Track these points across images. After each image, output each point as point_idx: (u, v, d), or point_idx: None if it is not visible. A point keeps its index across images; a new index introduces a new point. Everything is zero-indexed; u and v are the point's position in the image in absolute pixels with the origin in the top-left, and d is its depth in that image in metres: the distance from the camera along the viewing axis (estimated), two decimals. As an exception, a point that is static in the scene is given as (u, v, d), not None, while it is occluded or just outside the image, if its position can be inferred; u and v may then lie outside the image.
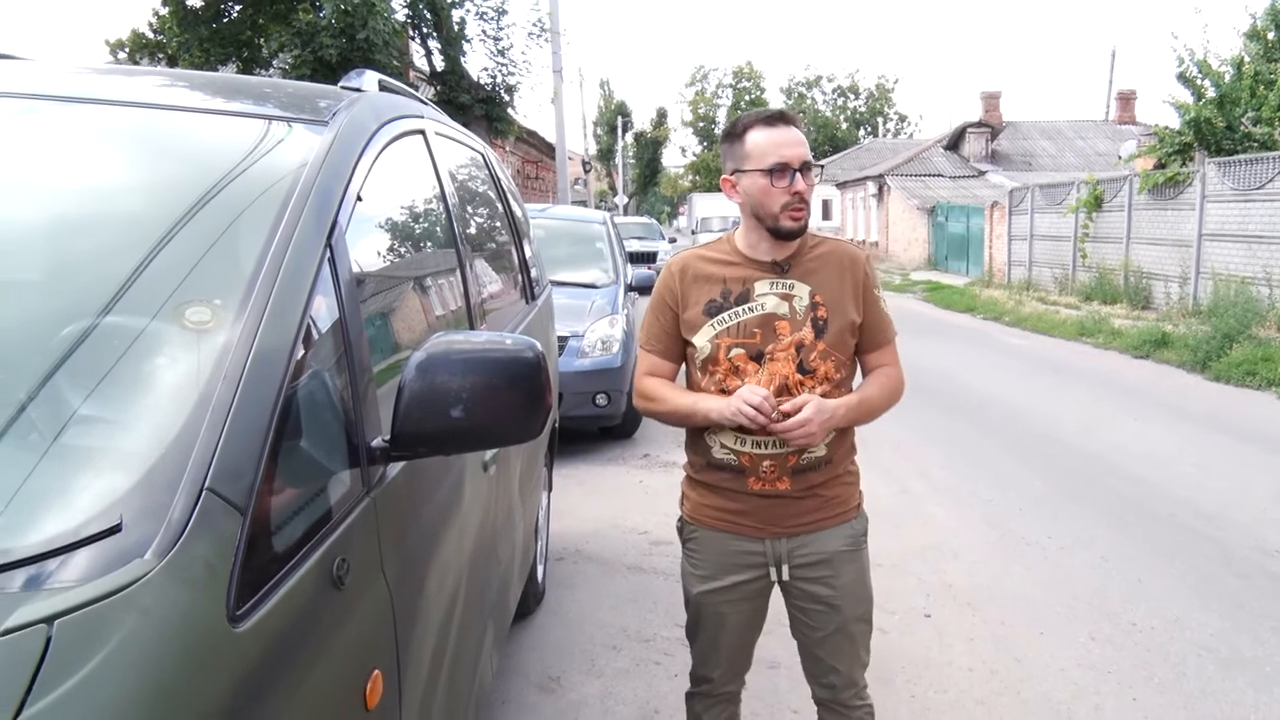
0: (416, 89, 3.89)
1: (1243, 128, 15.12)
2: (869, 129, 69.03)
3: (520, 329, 3.50)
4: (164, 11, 18.75)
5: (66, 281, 1.59)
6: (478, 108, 20.30)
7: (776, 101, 71.40)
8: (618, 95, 77.09)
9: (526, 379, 1.69)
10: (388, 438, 1.67)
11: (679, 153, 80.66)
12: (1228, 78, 15.49)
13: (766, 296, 2.27)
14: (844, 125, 68.65)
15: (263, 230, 1.61)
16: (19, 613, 1.02)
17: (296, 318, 1.51)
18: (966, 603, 4.47)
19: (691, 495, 2.44)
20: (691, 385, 2.38)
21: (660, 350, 2.40)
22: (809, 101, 70.20)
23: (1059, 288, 18.95)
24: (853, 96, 72.03)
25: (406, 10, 19.77)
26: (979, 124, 36.40)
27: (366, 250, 2.00)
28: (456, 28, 20.39)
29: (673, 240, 30.63)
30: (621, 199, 56.33)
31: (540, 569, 4.40)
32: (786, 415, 2.17)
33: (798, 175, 2.20)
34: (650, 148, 77.05)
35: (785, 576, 2.37)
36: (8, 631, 1.00)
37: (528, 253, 4.20)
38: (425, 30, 20.61)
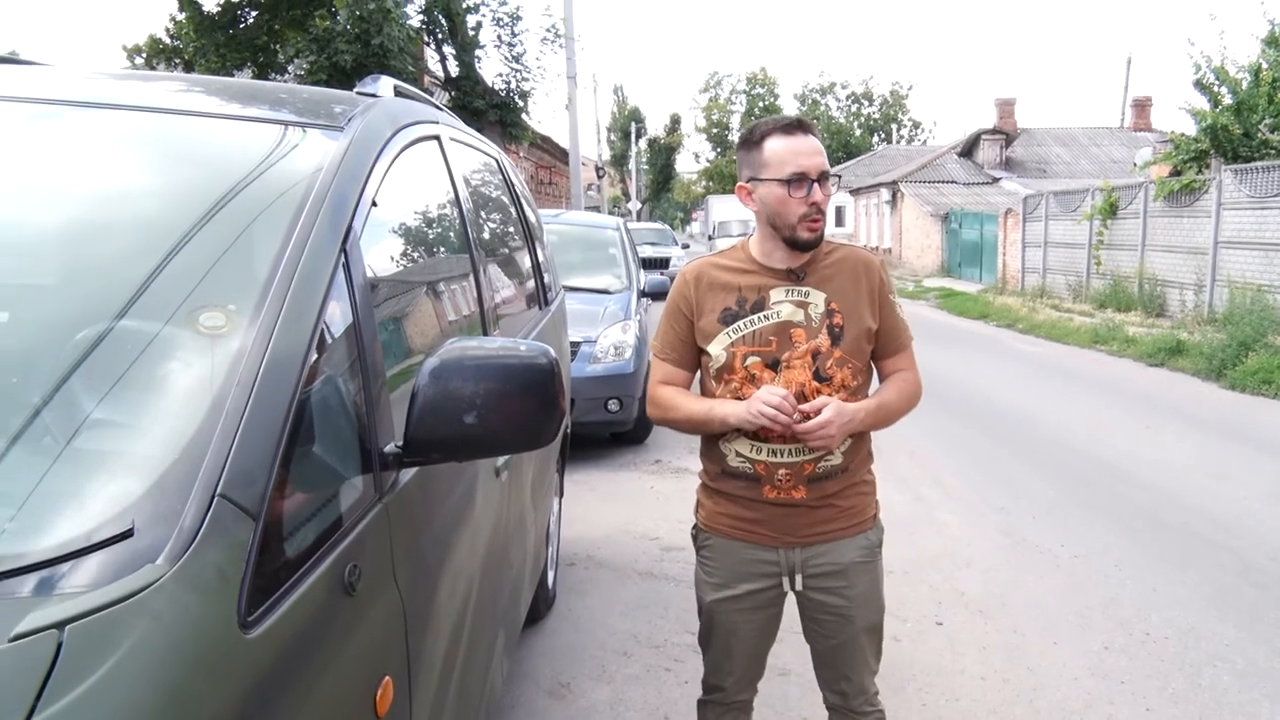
0: (431, 94, 3.88)
1: (1260, 134, 15.04)
2: (883, 135, 68.84)
3: (533, 335, 3.50)
4: (181, 17, 18.83)
5: (82, 286, 1.60)
6: (492, 113, 20.32)
7: (790, 108, 71.34)
8: (631, 101, 77.14)
9: (540, 385, 1.68)
10: (401, 443, 1.67)
11: (692, 159, 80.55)
12: (1245, 84, 15.42)
13: (782, 304, 2.26)
14: (858, 132, 68.44)
15: (277, 235, 1.61)
16: (30, 618, 1.02)
17: (310, 323, 1.51)
18: (979, 611, 4.44)
19: (706, 503, 2.43)
20: (706, 394, 2.36)
21: (674, 359, 2.38)
22: (823, 108, 70.05)
23: (1073, 295, 18.88)
24: (866, 103, 71.84)
25: (422, 16, 19.83)
26: (993, 131, 36.29)
27: (381, 255, 2.00)
28: (471, 33, 20.44)
29: (686, 246, 30.50)
30: (635, 205, 56.27)
31: (551, 574, 4.39)
32: (807, 417, 2.15)
33: (815, 186, 2.18)
34: (664, 154, 77.02)
35: (798, 586, 2.36)
36: (19, 637, 1.00)
37: (541, 258, 4.21)
38: (440, 36, 20.66)
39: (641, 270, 9.24)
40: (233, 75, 17.61)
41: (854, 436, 2.31)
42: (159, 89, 2.42)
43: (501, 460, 2.64)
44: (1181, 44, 36.34)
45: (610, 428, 7.41)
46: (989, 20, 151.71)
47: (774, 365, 2.24)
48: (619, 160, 73.54)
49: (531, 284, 3.93)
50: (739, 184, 2.32)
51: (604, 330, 7.39)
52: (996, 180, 33.75)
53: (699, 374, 2.39)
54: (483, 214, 3.22)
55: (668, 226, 37.55)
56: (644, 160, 75.14)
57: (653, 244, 24.34)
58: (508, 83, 21.03)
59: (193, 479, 1.23)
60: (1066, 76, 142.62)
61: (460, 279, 2.64)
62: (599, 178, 46.04)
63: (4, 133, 1.94)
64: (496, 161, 3.77)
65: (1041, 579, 4.85)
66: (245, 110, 2.17)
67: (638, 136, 68.86)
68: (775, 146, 2.20)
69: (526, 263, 3.90)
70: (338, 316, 1.63)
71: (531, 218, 4.25)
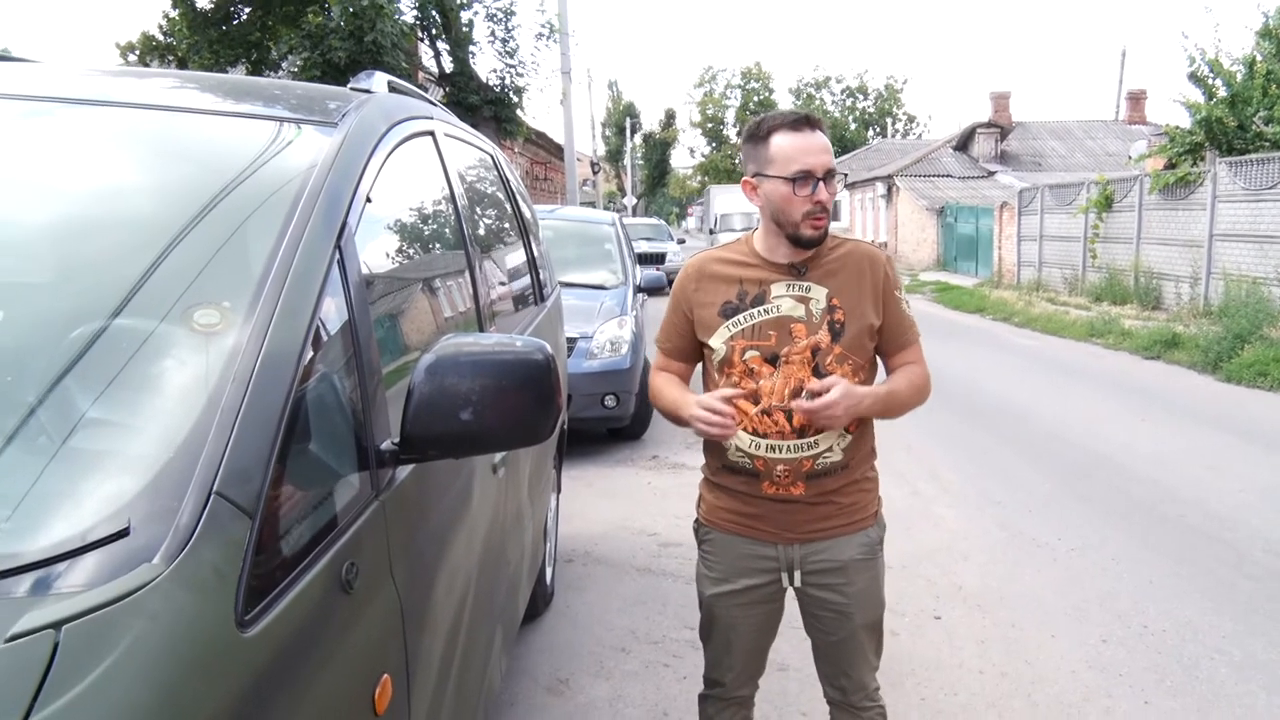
0: (425, 90, 3.88)
1: (1254, 127, 15.06)
2: (878, 130, 68.88)
3: (530, 330, 3.50)
4: (174, 14, 18.82)
5: (76, 284, 1.59)
6: (486, 109, 20.31)
7: (785, 103, 71.31)
8: (626, 96, 77.32)
9: (537, 381, 1.68)
10: (397, 440, 1.67)
11: (687, 154, 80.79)
12: (1239, 77, 15.44)
13: (783, 299, 2.25)
14: (853, 126, 68.42)
15: (272, 232, 1.60)
16: (26, 618, 1.02)
17: (305, 320, 1.51)
18: (977, 605, 4.45)
19: (707, 497, 2.43)
20: (708, 387, 2.37)
21: (670, 349, 2.42)
22: (818, 102, 70.01)
23: (1069, 288, 18.90)
24: (861, 97, 71.85)
25: (415, 12, 19.79)
26: (988, 124, 36.28)
27: (376, 252, 1.99)
28: (465, 29, 20.41)
29: (681, 241, 30.20)
30: (630, 200, 56.32)
31: (549, 571, 4.39)
32: (815, 395, 2.14)
33: (821, 184, 2.16)
34: (659, 149, 77.08)
35: (797, 583, 2.36)
36: (15, 637, 1.00)
37: (537, 254, 4.20)
38: (434, 32, 20.65)
39: (637, 265, 9.23)
40: (226, 72, 17.58)
41: (855, 433, 2.30)
42: (152, 86, 2.41)
43: (498, 457, 2.63)
44: (1176, 37, 36.36)
45: (607, 423, 7.41)
46: (984, 14, 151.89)
47: (773, 360, 2.23)
48: (614, 155, 73.58)
49: (527, 280, 3.92)
50: (744, 178, 2.30)
51: (600, 326, 7.39)
52: (992, 174, 33.73)
53: (703, 367, 2.39)
54: (478, 210, 3.21)
55: (663, 221, 37.45)
56: (639, 155, 75.19)
57: (648, 239, 24.31)
58: (502, 78, 21.03)
59: (189, 477, 1.22)
60: (1061, 70, 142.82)
61: (456, 275, 2.63)
62: (594, 173, 46.02)
63: (-4, 130, 1.93)
64: (491, 157, 3.76)
65: (1039, 572, 4.86)
66: (239, 107, 2.16)
67: (633, 132, 68.90)
68: (782, 143, 2.17)
69: (522, 258, 3.89)
70: (333, 313, 1.63)
71: (527, 213, 4.24)
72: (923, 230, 31.52)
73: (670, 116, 77.46)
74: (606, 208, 42.52)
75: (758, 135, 2.22)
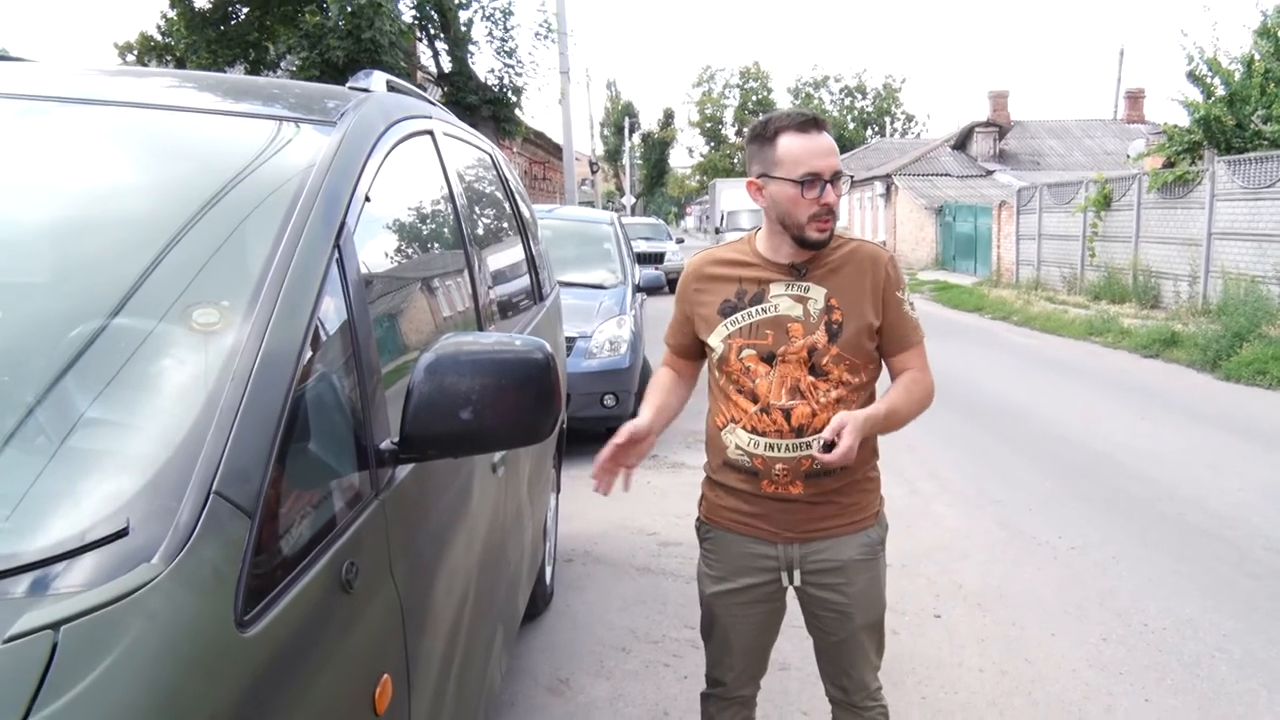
0: (424, 90, 3.87)
1: (1253, 126, 15.06)
2: (876, 129, 68.92)
3: (529, 330, 3.49)
4: (172, 14, 18.83)
5: (74, 283, 1.59)
6: (485, 108, 20.32)
7: (784, 102, 71.33)
8: (625, 96, 77.33)
9: (536, 380, 1.68)
10: (397, 440, 1.66)
11: (686, 153, 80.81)
12: (1238, 76, 15.44)
13: (780, 298, 2.24)
14: (851, 125, 68.48)
15: (271, 231, 1.60)
16: (25, 618, 1.01)
17: (305, 319, 1.50)
18: (977, 603, 4.45)
19: (709, 495, 2.43)
20: (711, 385, 2.39)
21: (673, 345, 2.47)
22: (816, 101, 70.09)
23: (1067, 287, 18.90)
24: (860, 96, 71.91)
25: (413, 11, 19.79)
26: (986, 123, 36.27)
27: (375, 251, 1.99)
28: (463, 29, 20.41)
29: (680, 241, 29.97)
30: (629, 199, 56.31)
31: (549, 570, 4.38)
32: (829, 445, 2.09)
33: (828, 186, 2.15)
34: (657, 148, 77.08)
35: (796, 582, 2.35)
36: (14, 637, 0.99)
37: (535, 253, 4.19)
38: (432, 31, 20.65)
39: (636, 265, 9.23)
40: (224, 71, 17.58)
41: None
42: (150, 85, 2.40)
43: (498, 456, 2.63)
44: (1174, 36, 36.39)
45: (606, 423, 7.37)
46: (982, 13, 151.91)
47: (769, 359, 2.23)
48: (613, 155, 73.58)
49: (526, 279, 3.92)
50: (748, 179, 2.28)
51: (599, 325, 7.38)
52: (990, 173, 33.73)
53: (708, 364, 2.39)
54: (477, 209, 3.20)
55: (662, 221, 37.37)
56: (638, 155, 75.20)
57: (647, 239, 24.26)
58: (500, 78, 21.05)
59: (188, 477, 1.22)
60: (1059, 69, 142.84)
61: (455, 274, 2.63)
62: (593, 173, 46.01)
63: (-6, 130, 1.93)
64: (490, 156, 3.76)
65: (1039, 571, 4.86)
66: (237, 106, 2.16)
67: (631, 131, 68.91)
68: (789, 144, 2.15)
69: (521, 258, 3.89)
70: (332, 313, 1.62)
71: (526, 213, 4.24)
72: (921, 229, 31.52)
73: (669, 116, 77.50)
74: (605, 207, 42.50)
75: (764, 136, 2.20)
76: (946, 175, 33.83)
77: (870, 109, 71.61)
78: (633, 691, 3.64)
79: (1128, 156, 22.49)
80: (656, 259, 21.10)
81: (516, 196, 4.06)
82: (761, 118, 2.27)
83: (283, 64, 18.54)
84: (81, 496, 1.22)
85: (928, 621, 4.25)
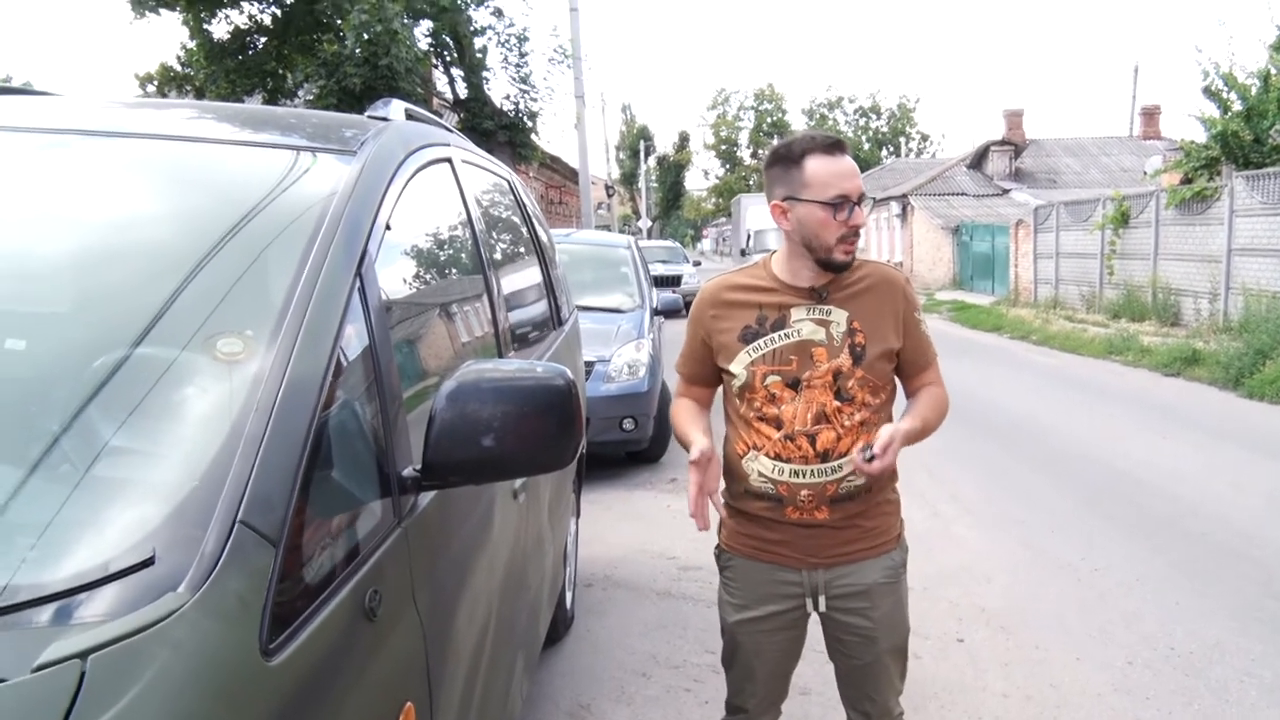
0: (440, 116, 3.90)
1: (1271, 140, 15.01)
2: (891, 149, 68.99)
3: (548, 355, 3.50)
4: (191, 45, 19.02)
5: (98, 313, 1.60)
6: (501, 134, 20.41)
7: (798, 123, 71.47)
8: (640, 119, 77.31)
9: (558, 407, 1.68)
10: (419, 467, 1.66)
11: (701, 176, 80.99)
12: (1254, 90, 15.40)
13: (803, 323, 2.24)
14: (866, 146, 68.56)
15: (292, 260, 1.61)
16: (53, 648, 1.02)
17: (327, 347, 1.51)
18: (1000, 626, 4.41)
19: (729, 523, 2.41)
20: (729, 412, 2.36)
21: (687, 374, 2.43)
22: (830, 122, 70.20)
23: (1086, 305, 18.82)
24: (874, 117, 72.03)
25: (429, 39, 19.95)
26: (1002, 142, 36.25)
27: (395, 279, 2.00)
28: (479, 55, 20.55)
29: (697, 264, 29.97)
30: (645, 223, 56.46)
31: (569, 595, 4.37)
32: (873, 456, 2.12)
33: (855, 208, 2.16)
34: (673, 171, 77.32)
35: (822, 608, 2.34)
36: (42, 667, 1.00)
37: (554, 278, 4.21)
38: (448, 58, 20.79)
39: (653, 288, 9.24)
40: (243, 101, 17.75)
41: None
42: (171, 117, 2.43)
43: (519, 482, 2.63)
44: (1189, 51, 36.28)
45: (625, 447, 7.39)
46: (996, 32, 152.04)
47: (794, 384, 2.23)
48: (628, 179, 73.80)
49: (545, 304, 3.93)
50: (774, 203, 2.25)
51: (618, 349, 7.39)
52: (1006, 191, 33.67)
53: (724, 391, 2.38)
54: (495, 235, 3.22)
55: (679, 244, 37.44)
56: (653, 178, 75.44)
57: (664, 261, 24.31)
58: (516, 103, 21.13)
59: (213, 506, 1.22)
60: (1074, 86, 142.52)
61: (474, 300, 2.64)
62: (609, 196, 46.20)
63: (19, 162, 1.95)
64: (507, 182, 3.77)
65: (1062, 593, 4.81)
66: (257, 136, 2.18)
67: (647, 154, 69.13)
68: (817, 167, 2.15)
69: (540, 282, 3.90)
70: (354, 340, 1.63)
71: (543, 237, 4.25)
72: (938, 249, 31.47)
73: (684, 139, 77.74)
74: (621, 231, 42.60)
75: (790, 158, 2.19)
76: (963, 194, 33.80)
77: (885, 129, 71.72)
78: (654, 717, 3.62)
79: (1145, 173, 22.43)
80: (673, 282, 21.12)
81: (534, 221, 4.08)
82: (783, 140, 2.28)
83: (300, 92, 18.70)
84: (107, 526, 1.22)
85: (950, 645, 4.21)
